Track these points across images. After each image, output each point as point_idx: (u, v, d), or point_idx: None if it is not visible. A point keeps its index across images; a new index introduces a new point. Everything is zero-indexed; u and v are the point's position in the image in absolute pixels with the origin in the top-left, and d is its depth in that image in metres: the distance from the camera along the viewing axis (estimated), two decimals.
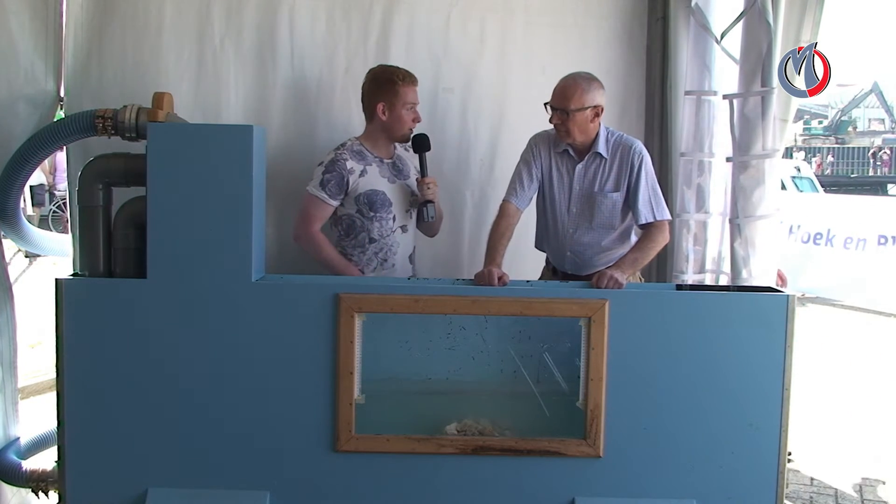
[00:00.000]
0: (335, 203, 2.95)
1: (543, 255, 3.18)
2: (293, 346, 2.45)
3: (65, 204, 12.00)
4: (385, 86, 2.95)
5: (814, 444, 4.34)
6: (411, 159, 3.12)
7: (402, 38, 3.33)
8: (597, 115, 2.86)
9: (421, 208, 2.96)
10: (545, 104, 2.89)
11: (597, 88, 2.87)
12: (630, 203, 2.91)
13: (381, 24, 3.32)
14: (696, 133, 3.28)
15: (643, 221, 2.89)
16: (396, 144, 3.08)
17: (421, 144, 2.99)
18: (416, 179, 2.99)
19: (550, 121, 2.89)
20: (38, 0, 2.90)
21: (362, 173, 2.95)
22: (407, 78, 2.96)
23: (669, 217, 2.94)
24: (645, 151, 2.93)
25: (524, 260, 3.20)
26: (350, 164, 2.93)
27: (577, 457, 2.46)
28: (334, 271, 2.91)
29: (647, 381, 2.46)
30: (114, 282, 2.48)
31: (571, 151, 2.95)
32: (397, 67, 3.02)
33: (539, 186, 3.00)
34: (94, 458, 2.45)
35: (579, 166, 2.94)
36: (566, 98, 2.84)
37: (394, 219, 3.00)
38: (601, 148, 2.90)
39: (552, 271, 3.12)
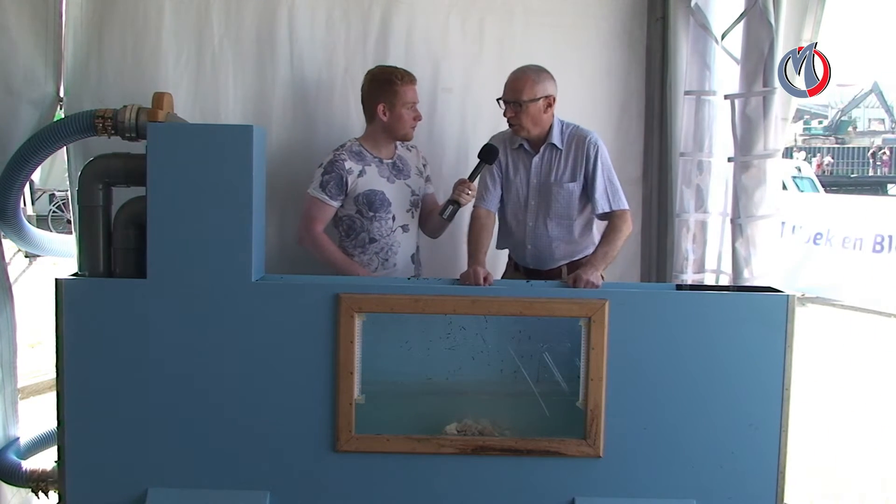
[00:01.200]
0: (336, 204, 2.95)
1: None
2: (293, 346, 2.45)
3: (64, 204, 12.00)
4: (384, 86, 2.95)
5: (813, 445, 4.33)
6: (413, 160, 3.12)
7: (401, 39, 3.33)
8: (549, 105, 2.88)
9: (447, 205, 2.90)
10: (498, 99, 2.91)
11: (547, 79, 2.89)
12: (588, 193, 2.93)
13: (380, 24, 3.32)
14: (695, 133, 3.28)
15: (600, 211, 2.91)
16: (398, 144, 3.08)
17: (488, 154, 2.93)
18: (461, 179, 2.92)
19: (504, 115, 2.91)
20: (38, 0, 2.89)
21: (361, 173, 2.95)
22: (406, 77, 2.97)
23: (627, 206, 2.95)
24: (601, 142, 2.94)
25: (502, 264, 3.23)
26: (348, 164, 2.93)
27: (577, 457, 2.46)
28: (339, 271, 2.90)
29: (647, 381, 2.46)
30: (114, 282, 2.48)
31: (527, 146, 2.97)
32: (396, 67, 3.02)
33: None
34: (94, 458, 2.45)
35: (535, 158, 2.96)
36: (517, 90, 2.87)
37: (393, 218, 3.01)
38: (556, 139, 2.93)
39: (514, 267, 3.14)
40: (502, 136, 3.02)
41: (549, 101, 2.89)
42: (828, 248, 8.43)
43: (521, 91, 2.86)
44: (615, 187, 2.93)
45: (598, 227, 3.03)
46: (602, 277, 2.66)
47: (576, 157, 2.92)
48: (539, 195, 2.98)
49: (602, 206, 2.91)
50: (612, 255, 2.84)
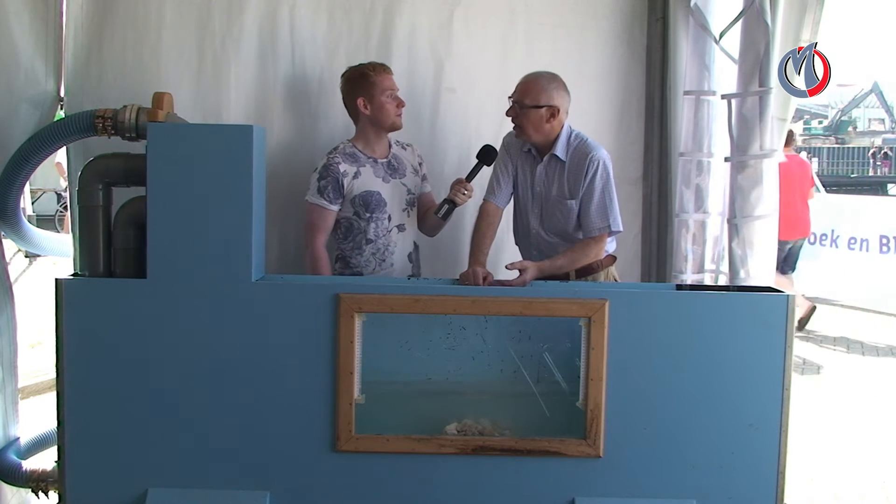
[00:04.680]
0: (336, 208, 2.95)
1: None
2: (293, 346, 2.45)
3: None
4: (359, 80, 2.96)
5: (813, 445, 4.33)
6: (409, 158, 3.12)
7: (404, 38, 3.33)
8: (552, 115, 2.83)
9: (442, 204, 2.89)
10: (509, 97, 2.89)
11: (556, 89, 2.84)
12: (580, 213, 2.86)
13: (383, 23, 3.32)
14: (695, 133, 3.28)
15: (592, 235, 2.84)
16: (392, 143, 3.08)
17: (485, 155, 2.91)
18: (458, 178, 2.92)
19: (507, 113, 2.89)
20: (38, 0, 2.90)
21: (356, 175, 2.95)
22: (378, 67, 2.98)
23: (622, 229, 2.89)
24: (604, 160, 2.84)
25: (502, 264, 3.22)
26: (343, 166, 2.94)
27: (577, 457, 2.46)
28: None
29: (647, 381, 2.46)
30: (114, 282, 2.48)
31: (534, 151, 2.94)
32: (367, 62, 3.03)
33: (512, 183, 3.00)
34: (94, 458, 2.45)
35: (539, 167, 2.92)
36: (523, 92, 2.85)
37: (389, 218, 3.01)
38: (559, 150, 2.87)
39: None
40: (516, 135, 2.97)
41: (553, 112, 2.82)
42: (833, 250, 8.40)
43: (526, 94, 2.84)
44: (614, 212, 2.85)
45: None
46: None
47: (577, 174, 2.85)
48: (540, 205, 2.94)
49: (596, 227, 2.83)
50: (563, 270, 2.82)
